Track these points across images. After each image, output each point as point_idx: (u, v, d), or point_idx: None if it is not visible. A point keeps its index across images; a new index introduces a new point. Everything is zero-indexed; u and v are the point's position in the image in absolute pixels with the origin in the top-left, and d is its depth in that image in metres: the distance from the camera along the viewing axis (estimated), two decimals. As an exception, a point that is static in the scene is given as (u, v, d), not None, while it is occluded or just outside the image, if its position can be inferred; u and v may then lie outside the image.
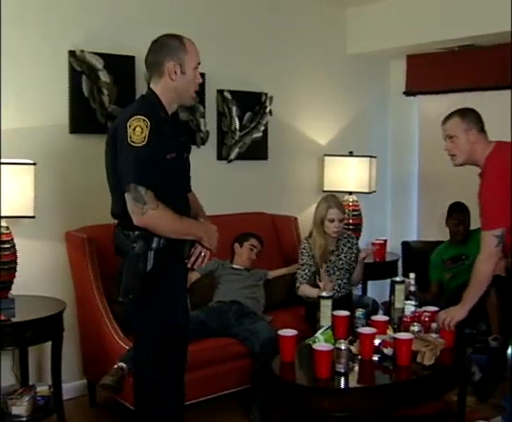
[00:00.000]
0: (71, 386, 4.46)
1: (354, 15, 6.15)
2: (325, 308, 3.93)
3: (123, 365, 3.78)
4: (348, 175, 5.79)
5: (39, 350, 4.29)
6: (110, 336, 4.05)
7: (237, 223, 4.96)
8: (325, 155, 5.93)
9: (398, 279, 4.27)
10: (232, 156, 5.36)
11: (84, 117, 4.51)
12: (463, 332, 4.00)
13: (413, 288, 4.16)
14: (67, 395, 4.23)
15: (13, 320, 3.74)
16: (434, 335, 3.73)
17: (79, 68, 4.44)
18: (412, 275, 4.20)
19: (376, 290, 5.81)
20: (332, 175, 5.83)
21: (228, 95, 5.27)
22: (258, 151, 5.55)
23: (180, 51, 2.99)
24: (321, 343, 3.51)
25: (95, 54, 4.49)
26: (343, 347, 3.33)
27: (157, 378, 3.01)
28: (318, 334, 3.66)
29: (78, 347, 4.51)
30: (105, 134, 4.45)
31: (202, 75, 3.39)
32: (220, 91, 5.23)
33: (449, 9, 5.35)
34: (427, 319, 3.88)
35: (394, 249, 6.03)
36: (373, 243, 5.80)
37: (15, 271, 3.93)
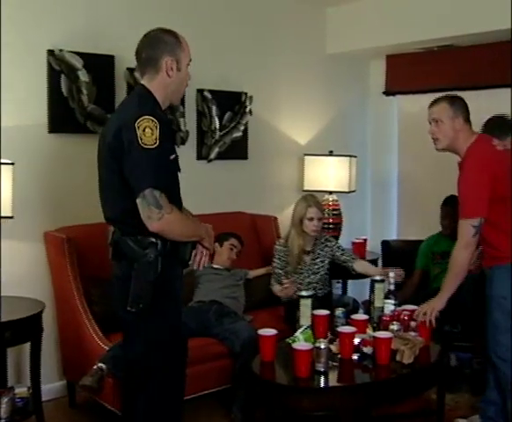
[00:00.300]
0: (51, 387, 4.44)
1: (334, 15, 6.17)
2: (305, 307, 3.94)
3: (103, 365, 3.76)
4: (328, 174, 5.80)
5: (17, 351, 4.25)
6: (89, 336, 4.04)
7: (217, 223, 4.88)
8: (305, 154, 5.94)
9: (377, 278, 4.28)
10: (212, 155, 5.35)
11: (63, 116, 4.48)
12: (442, 330, 4.02)
13: (392, 287, 4.17)
14: (46, 396, 4.20)
15: (-9, 321, 3.70)
16: (413, 333, 3.75)
17: (58, 67, 4.42)
18: (391, 274, 4.21)
19: (357, 289, 5.83)
20: (312, 174, 5.84)
21: (208, 94, 5.26)
22: (238, 151, 5.55)
23: (177, 47, 2.94)
24: (301, 342, 3.51)
25: (74, 53, 4.46)
26: (323, 346, 3.33)
27: (165, 381, 2.96)
28: (297, 333, 3.66)
29: (58, 348, 4.49)
30: (84, 133, 4.52)
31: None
32: (200, 91, 5.23)
33: (428, 9, 5.38)
34: (406, 318, 3.89)
35: (374, 248, 6.05)
36: (353, 242, 5.83)
37: (-7, 271, 3.91)
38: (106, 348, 3.89)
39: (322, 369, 3.34)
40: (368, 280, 4.54)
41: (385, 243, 5.86)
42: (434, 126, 3.82)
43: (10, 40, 4.21)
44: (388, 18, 5.71)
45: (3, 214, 3.85)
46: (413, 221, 6.27)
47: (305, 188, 5.85)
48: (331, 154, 5.85)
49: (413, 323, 3.85)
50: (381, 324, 3.91)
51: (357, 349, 3.57)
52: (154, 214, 2.73)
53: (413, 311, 3.96)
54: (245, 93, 5.51)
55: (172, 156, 2.91)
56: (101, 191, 3.02)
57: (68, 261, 4.17)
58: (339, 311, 4.00)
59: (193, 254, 3.04)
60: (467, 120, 3.80)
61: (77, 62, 4.48)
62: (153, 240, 2.82)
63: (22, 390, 3.93)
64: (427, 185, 6.08)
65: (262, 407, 3.74)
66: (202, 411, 4.21)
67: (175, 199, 2.90)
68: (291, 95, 5.96)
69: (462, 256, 3.67)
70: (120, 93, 4.66)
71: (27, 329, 3.82)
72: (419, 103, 6.24)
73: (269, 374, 3.50)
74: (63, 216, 4.44)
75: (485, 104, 5.67)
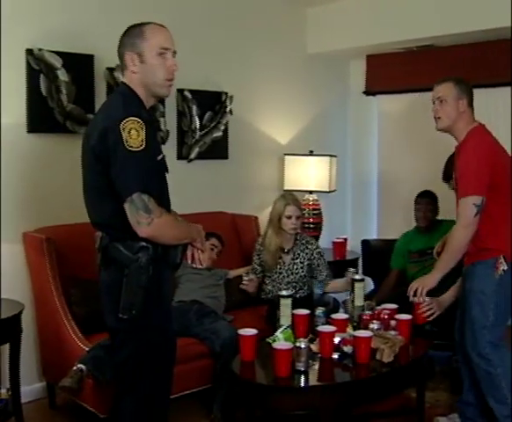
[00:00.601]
0: (30, 389, 4.41)
1: (314, 15, 6.18)
2: (285, 307, 3.94)
3: (82, 366, 3.75)
4: (309, 174, 5.81)
5: (-4, 352, 4.24)
6: (69, 337, 4.02)
7: (198, 223, 4.88)
8: (286, 154, 5.95)
9: (357, 277, 4.30)
10: (192, 155, 5.35)
11: (42, 116, 4.45)
12: (422, 329, 4.03)
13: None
14: (26, 398, 4.18)
15: (-30, 322, 3.68)
16: (393, 332, 3.76)
17: (37, 66, 4.38)
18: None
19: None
20: (292, 174, 5.85)
21: (188, 94, 5.26)
22: (218, 151, 5.55)
23: (137, 39, 2.81)
24: (281, 342, 3.51)
25: (53, 52, 4.43)
26: (303, 346, 3.34)
27: (153, 383, 2.92)
28: (277, 333, 3.66)
29: (37, 349, 4.46)
30: (63, 133, 4.49)
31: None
32: (180, 91, 5.22)
33: (408, 9, 5.41)
34: (386, 317, 3.91)
35: (354, 247, 6.08)
36: (333, 242, 5.85)
37: (-29, 272, 3.88)
38: (86, 349, 3.87)
39: (302, 369, 3.34)
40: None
41: (365, 243, 5.87)
42: (438, 104, 3.77)
43: (-12, 40, 4.19)
44: (368, 19, 5.74)
45: (-19, 215, 3.84)
46: (393, 220, 6.29)
47: (286, 188, 5.86)
48: (311, 154, 5.86)
49: (392, 322, 3.87)
50: (361, 323, 3.93)
51: (337, 348, 3.58)
52: (143, 219, 2.66)
53: (392, 310, 3.98)
54: (226, 93, 5.51)
55: (160, 157, 2.84)
56: (86, 194, 2.92)
57: (47, 261, 4.14)
58: (319, 311, 4.01)
59: (188, 254, 3.00)
60: (471, 104, 3.78)
61: (57, 62, 4.45)
62: (144, 244, 2.75)
63: (1, 392, 3.91)
64: (406, 184, 6.11)
65: (243, 407, 3.74)
66: (183, 411, 4.20)
67: (164, 200, 2.85)
68: (272, 95, 5.96)
69: (461, 235, 3.62)
70: (100, 93, 4.65)
71: (6, 330, 3.79)
72: (398, 103, 6.30)
73: (249, 374, 3.50)
74: (43, 216, 4.41)
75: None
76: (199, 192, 5.41)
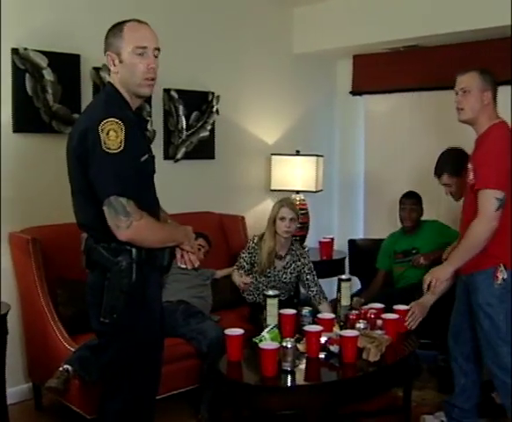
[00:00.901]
0: (16, 390, 4.39)
1: (301, 15, 6.19)
2: (272, 306, 3.94)
3: (69, 367, 3.74)
4: (295, 174, 5.81)
5: (-18, 353, 4.21)
6: (55, 338, 4.00)
7: (185, 223, 4.82)
8: (272, 154, 5.95)
9: (344, 277, 4.32)
10: (179, 155, 5.34)
11: (27, 116, 4.43)
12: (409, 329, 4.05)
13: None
14: (11, 399, 4.17)
15: (-45, 323, 3.66)
16: (379, 332, 3.78)
17: (23, 66, 4.36)
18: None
19: (324, 288, 5.84)
20: (279, 174, 5.85)
21: (174, 94, 5.25)
22: (205, 150, 5.54)
23: (116, 38, 2.79)
24: (267, 341, 3.51)
25: (39, 52, 4.41)
26: (289, 345, 3.34)
27: (140, 383, 2.90)
28: (264, 333, 3.66)
29: (23, 350, 4.44)
30: (49, 133, 4.48)
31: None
32: (166, 90, 5.21)
33: (394, 10, 5.42)
34: (372, 316, 3.93)
35: (341, 247, 6.08)
36: (320, 242, 5.86)
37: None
38: (72, 349, 3.86)
39: (289, 368, 3.35)
40: (335, 279, 4.56)
41: (352, 242, 5.89)
42: (461, 95, 3.62)
43: (-27, 39, 4.17)
44: (355, 19, 5.75)
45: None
46: (380, 220, 6.31)
47: (272, 188, 5.87)
48: (298, 153, 5.86)
49: (379, 322, 3.88)
50: (347, 323, 3.94)
51: (324, 348, 3.59)
52: (122, 223, 2.63)
53: (379, 310, 3.99)
54: (212, 93, 5.51)
55: (144, 158, 2.79)
56: (72, 195, 2.89)
57: (33, 262, 4.12)
58: (305, 310, 4.02)
59: (178, 256, 2.97)
60: (495, 97, 3.63)
61: (42, 61, 4.43)
62: (127, 247, 2.72)
63: (-13, 393, 3.89)
64: (393, 184, 6.13)
65: (230, 407, 3.74)
66: (170, 411, 4.19)
67: (149, 202, 2.82)
68: (258, 95, 5.96)
69: (480, 230, 3.43)
70: (86, 93, 4.63)
71: (-8, 331, 3.77)
72: (385, 103, 6.31)
73: (236, 374, 3.50)
74: (29, 217, 4.39)
75: (451, 104, 5.73)
76: (186, 193, 5.40)
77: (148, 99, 4.92)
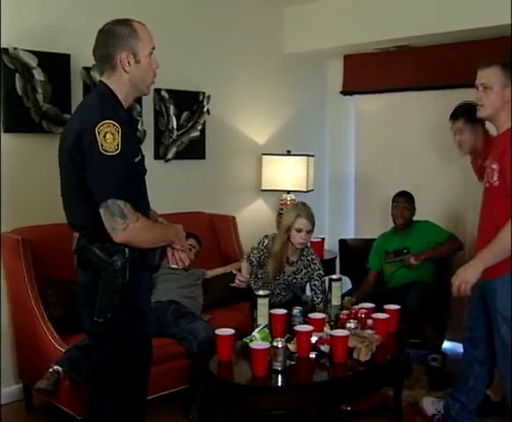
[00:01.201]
0: (6, 391, 4.38)
1: (292, 15, 6.19)
2: (262, 306, 3.94)
3: (59, 368, 3.73)
4: (286, 174, 5.82)
5: (-28, 355, 4.20)
6: (45, 339, 3.99)
7: (175, 223, 4.92)
8: (263, 154, 5.96)
9: (334, 276, 4.31)
10: (170, 155, 5.34)
11: (17, 116, 4.41)
12: (400, 327, 4.06)
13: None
14: (2, 400, 4.19)
15: None
16: (370, 331, 3.78)
17: (12, 65, 4.35)
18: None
19: (315, 288, 5.86)
20: (269, 174, 5.86)
21: (165, 94, 5.25)
22: (195, 150, 5.54)
23: (132, 39, 2.77)
24: (258, 341, 3.51)
25: (29, 51, 4.40)
26: (280, 345, 3.34)
27: (131, 383, 2.90)
28: (254, 333, 3.66)
29: (13, 351, 4.42)
30: (39, 133, 4.46)
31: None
32: (157, 90, 5.20)
33: (384, 10, 5.44)
34: (363, 316, 3.93)
35: (332, 247, 6.09)
36: (311, 241, 5.84)
37: None
38: (63, 350, 3.86)
39: (279, 368, 3.34)
40: (326, 279, 4.56)
41: (343, 242, 5.89)
42: (481, 91, 3.43)
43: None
44: (345, 19, 5.76)
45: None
46: (370, 220, 6.32)
47: (263, 188, 5.88)
48: (289, 153, 5.87)
49: (369, 322, 3.88)
50: (338, 323, 3.93)
51: (314, 347, 3.58)
52: (119, 225, 2.64)
53: (370, 309, 4.00)
54: (203, 93, 5.51)
55: (137, 158, 2.80)
56: (63, 195, 2.89)
57: (23, 263, 4.11)
58: (296, 310, 4.01)
59: (169, 255, 2.97)
60: None
61: (32, 61, 4.42)
62: (121, 247, 2.73)
63: (-23, 394, 3.88)
64: (383, 184, 6.15)
65: (220, 407, 3.73)
66: (161, 411, 4.19)
67: (140, 202, 2.82)
68: (249, 95, 5.97)
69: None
70: (76, 93, 4.62)
71: (-19, 332, 3.76)
72: (376, 103, 6.32)
73: (226, 374, 3.49)
74: (18, 217, 4.37)
75: (441, 104, 5.76)
76: (176, 192, 5.39)
77: (138, 99, 4.93)
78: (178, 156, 5.39)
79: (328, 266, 5.77)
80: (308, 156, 5.84)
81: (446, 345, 5.35)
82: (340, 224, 6.65)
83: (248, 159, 6.02)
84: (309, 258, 4.61)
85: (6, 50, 4.32)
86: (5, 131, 4.38)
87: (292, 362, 3.47)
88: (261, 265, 4.63)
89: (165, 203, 5.03)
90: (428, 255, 5.08)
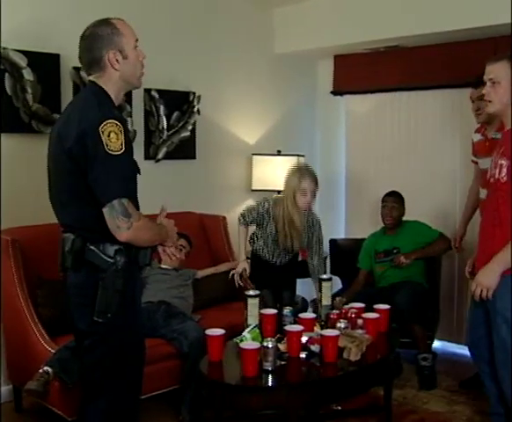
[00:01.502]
0: (-4, 392, 4.37)
1: (282, 15, 6.19)
2: (253, 306, 3.94)
3: (49, 369, 3.72)
4: (276, 174, 5.79)
5: (-39, 356, 4.19)
6: (35, 339, 3.98)
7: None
8: (254, 154, 5.96)
9: (325, 276, 4.32)
10: (160, 155, 5.33)
11: (7, 116, 4.39)
12: (390, 327, 4.07)
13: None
14: (-9, 401, 4.15)
15: None
16: (360, 331, 3.78)
17: (2, 65, 4.34)
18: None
19: (305, 288, 5.84)
20: (260, 174, 5.86)
21: (155, 94, 5.24)
22: (186, 150, 5.54)
23: (115, 36, 2.77)
24: (248, 341, 3.51)
25: (18, 51, 4.39)
26: (270, 345, 3.34)
27: (124, 383, 2.89)
28: (245, 333, 3.66)
29: (3, 352, 4.40)
30: (29, 133, 4.45)
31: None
32: (147, 90, 5.19)
33: (375, 10, 5.44)
34: (353, 316, 3.93)
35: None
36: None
37: None
38: (53, 351, 3.84)
39: (270, 368, 3.34)
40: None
41: (333, 242, 5.90)
42: (489, 86, 3.36)
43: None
44: (335, 19, 5.76)
45: None
46: (361, 219, 6.32)
47: (253, 188, 5.88)
48: (279, 153, 5.87)
49: (359, 321, 3.89)
50: (328, 322, 3.94)
51: (305, 347, 3.59)
52: (123, 224, 2.63)
53: (360, 309, 4.00)
54: (193, 93, 5.50)
55: (134, 156, 2.80)
56: (56, 196, 2.86)
57: (13, 263, 4.09)
58: (286, 310, 4.02)
59: (160, 250, 2.99)
60: None
61: (22, 61, 4.41)
62: (120, 247, 2.73)
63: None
64: (374, 184, 6.15)
65: (211, 407, 3.73)
66: (151, 412, 4.17)
67: (137, 201, 2.82)
68: (239, 95, 5.97)
69: None
70: (66, 93, 4.61)
71: (-29, 332, 3.75)
72: (366, 103, 6.33)
73: (217, 374, 3.49)
74: (7, 218, 4.35)
75: (431, 104, 5.78)
76: (166, 193, 5.36)
77: (128, 99, 4.93)
78: (168, 156, 5.39)
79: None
80: (298, 156, 5.83)
81: (436, 344, 5.38)
82: (330, 224, 6.63)
83: (238, 159, 6.02)
84: (310, 218, 4.64)
85: (-5, 50, 4.31)
86: (-5, 131, 4.36)
87: (282, 362, 3.48)
88: (259, 226, 4.62)
89: (155, 203, 4.96)
90: (418, 255, 5.09)
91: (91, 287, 2.74)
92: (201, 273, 4.95)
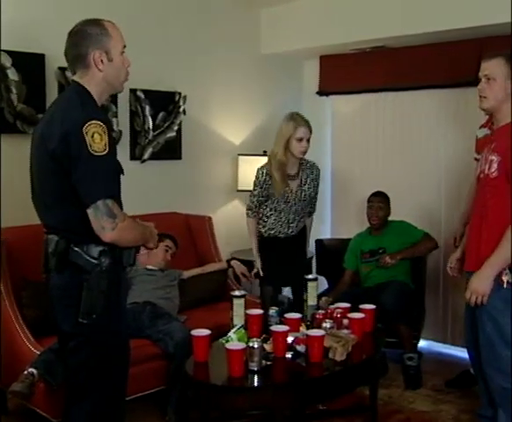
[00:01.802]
0: (-20, 393, 4.33)
1: (268, 15, 6.20)
2: (238, 306, 3.94)
3: (34, 370, 3.70)
4: (262, 174, 5.80)
5: None
6: (20, 341, 3.97)
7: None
8: (239, 154, 5.96)
9: (310, 276, 4.32)
10: (146, 155, 5.33)
11: (-9, 116, 4.38)
12: (376, 327, 4.08)
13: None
14: (-24, 403, 4.12)
15: None
16: (345, 331, 3.79)
17: (-14, 66, 4.33)
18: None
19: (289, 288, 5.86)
20: (246, 174, 5.83)
21: (141, 94, 5.23)
22: (171, 151, 5.54)
23: (103, 37, 2.77)
24: (234, 342, 3.51)
25: (3, 51, 4.38)
26: (256, 345, 3.34)
27: (110, 384, 2.88)
28: (230, 333, 3.66)
29: (-13, 353, 4.39)
30: (13, 133, 4.44)
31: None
32: (133, 90, 5.18)
33: (361, 11, 5.47)
34: (339, 316, 3.94)
35: (308, 247, 6.08)
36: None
37: None
38: (38, 352, 3.83)
39: (255, 368, 3.34)
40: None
41: (319, 242, 5.90)
42: (484, 82, 3.37)
43: None
44: (322, 20, 5.78)
45: None
46: (347, 220, 6.34)
47: (239, 188, 5.88)
48: (265, 154, 5.85)
49: (345, 321, 3.89)
50: (314, 322, 3.94)
51: (290, 347, 3.59)
52: (108, 224, 2.63)
53: (345, 309, 4.01)
54: (179, 93, 5.50)
55: (117, 156, 2.80)
56: (39, 197, 2.85)
57: (-2, 264, 4.08)
58: (272, 310, 4.02)
59: (142, 252, 3.00)
60: None
61: (6, 61, 4.40)
62: (105, 248, 2.72)
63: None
64: (360, 184, 6.16)
65: (197, 408, 3.73)
66: (137, 413, 4.16)
67: (120, 202, 2.81)
68: (225, 95, 5.97)
69: None
70: (51, 93, 4.59)
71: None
72: (352, 103, 6.34)
73: (203, 375, 3.48)
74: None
75: (417, 104, 5.80)
76: (152, 193, 5.38)
77: (114, 100, 4.91)
78: (154, 156, 5.38)
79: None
80: (284, 156, 5.82)
81: (422, 344, 5.40)
82: (316, 224, 6.63)
83: (224, 159, 6.02)
84: (308, 165, 4.61)
85: (-21, 50, 4.28)
86: (-21, 131, 4.34)
87: (268, 362, 3.47)
88: (268, 198, 4.56)
89: (141, 203, 5.02)
90: (404, 254, 5.11)
91: (75, 289, 2.72)
92: (186, 274, 4.94)
